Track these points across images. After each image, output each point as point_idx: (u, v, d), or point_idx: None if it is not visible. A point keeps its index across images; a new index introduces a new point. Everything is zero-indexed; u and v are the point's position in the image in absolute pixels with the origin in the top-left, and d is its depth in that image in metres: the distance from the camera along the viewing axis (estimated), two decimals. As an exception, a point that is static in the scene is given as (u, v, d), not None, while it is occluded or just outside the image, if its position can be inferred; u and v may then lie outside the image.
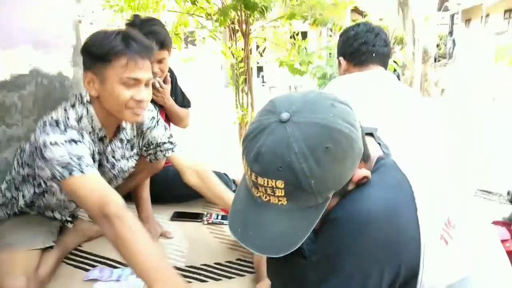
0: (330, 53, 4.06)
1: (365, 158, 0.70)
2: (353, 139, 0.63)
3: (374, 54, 1.30)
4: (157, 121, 1.35)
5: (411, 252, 0.68)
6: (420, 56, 7.86)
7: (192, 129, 2.10)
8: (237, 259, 1.39)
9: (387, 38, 1.34)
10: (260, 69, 11.31)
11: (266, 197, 0.65)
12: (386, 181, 0.69)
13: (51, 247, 1.26)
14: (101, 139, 1.19)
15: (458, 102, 7.39)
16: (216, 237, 1.55)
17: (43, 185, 1.19)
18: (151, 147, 1.36)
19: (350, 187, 0.68)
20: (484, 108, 6.76)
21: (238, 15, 3.08)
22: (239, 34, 3.24)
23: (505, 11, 15.11)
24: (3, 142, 1.45)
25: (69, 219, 1.37)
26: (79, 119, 1.11)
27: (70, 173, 1.00)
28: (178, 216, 1.69)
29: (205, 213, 1.71)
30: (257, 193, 0.66)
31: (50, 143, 1.01)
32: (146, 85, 1.12)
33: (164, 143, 1.36)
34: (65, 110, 1.11)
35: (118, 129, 1.24)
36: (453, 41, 14.19)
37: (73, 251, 1.38)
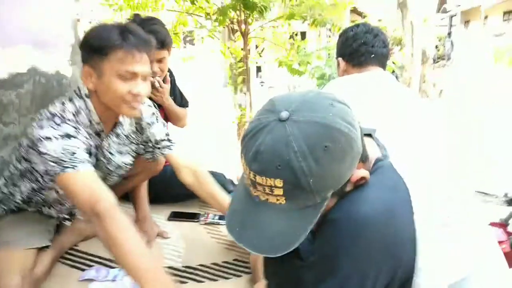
0: (329, 54, 4.07)
1: (364, 158, 0.70)
2: (352, 138, 0.63)
3: (373, 55, 1.30)
4: (157, 118, 1.34)
5: (407, 253, 0.68)
6: (418, 57, 7.86)
7: (191, 128, 2.10)
8: (234, 260, 1.39)
9: (386, 39, 1.34)
10: (258, 69, 11.32)
11: (264, 196, 0.65)
12: (383, 183, 0.70)
13: (47, 246, 1.26)
14: (98, 133, 1.18)
15: (457, 103, 7.41)
16: (213, 237, 1.55)
17: (40, 180, 1.18)
18: (150, 144, 1.36)
19: (348, 187, 0.68)
20: (483, 110, 6.78)
21: (237, 15, 3.07)
22: (238, 34, 3.24)
23: (504, 13, 15.17)
24: (0, 141, 1.44)
25: (66, 217, 1.36)
26: (76, 113, 1.11)
27: (63, 169, 0.99)
28: (175, 216, 1.68)
29: (202, 213, 1.71)
30: (255, 192, 0.66)
31: (44, 138, 1.01)
32: (144, 79, 1.10)
33: (163, 140, 1.35)
34: (63, 103, 1.10)
35: (116, 123, 1.23)
36: (452, 42, 14.22)
37: (69, 251, 1.37)
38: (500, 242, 1.43)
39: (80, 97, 1.13)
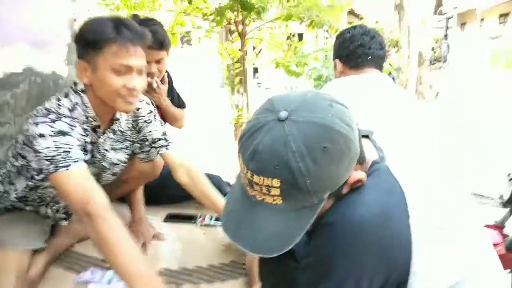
0: (326, 55, 4.08)
1: (361, 160, 0.70)
2: (350, 139, 0.63)
3: (369, 57, 1.30)
4: (154, 116, 1.33)
5: (403, 256, 0.68)
6: (415, 59, 7.90)
7: (187, 129, 2.09)
8: (230, 261, 1.38)
9: (382, 41, 1.35)
10: (255, 70, 11.32)
11: (261, 196, 0.65)
12: (380, 186, 0.70)
13: (43, 248, 1.24)
14: (94, 129, 1.17)
15: (453, 105, 7.44)
16: (209, 239, 1.54)
17: (36, 178, 1.16)
18: (146, 143, 1.34)
19: (345, 189, 0.68)
20: (479, 112, 6.81)
21: (235, 16, 3.08)
22: (235, 34, 3.24)
23: (500, 16, 15.26)
24: (-5, 141, 1.43)
25: (62, 216, 1.35)
26: (72, 108, 1.09)
27: (56, 168, 0.98)
28: (171, 218, 1.68)
29: (199, 214, 1.70)
30: (252, 191, 0.66)
31: (38, 135, 1.00)
32: (139, 72, 1.09)
33: (160, 139, 1.34)
34: (58, 99, 1.09)
35: (113, 119, 1.22)
36: (448, 45, 14.29)
37: (65, 252, 1.36)
38: (495, 245, 1.44)
39: (76, 92, 1.11)
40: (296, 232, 0.64)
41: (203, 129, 4.85)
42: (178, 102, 1.91)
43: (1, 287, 1.07)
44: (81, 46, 1.07)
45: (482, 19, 15.65)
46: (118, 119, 1.24)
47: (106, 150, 1.25)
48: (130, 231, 1.22)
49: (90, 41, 1.03)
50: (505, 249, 1.46)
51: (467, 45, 13.54)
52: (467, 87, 9.22)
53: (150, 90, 1.60)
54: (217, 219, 1.65)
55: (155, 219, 1.65)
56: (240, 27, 3.14)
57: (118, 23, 1.04)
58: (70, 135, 1.04)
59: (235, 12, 2.99)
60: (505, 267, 1.31)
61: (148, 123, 1.31)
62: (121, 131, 1.27)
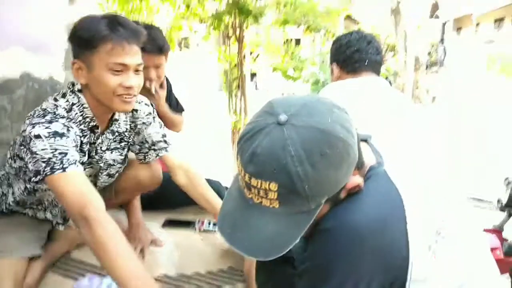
0: (323, 60, 4.10)
1: (359, 165, 0.70)
2: (349, 145, 0.63)
3: (366, 62, 1.31)
4: (153, 118, 1.32)
5: (400, 261, 0.68)
6: (412, 63, 7.95)
7: (185, 132, 2.09)
8: (228, 267, 1.38)
9: (379, 46, 1.36)
10: (253, 74, 11.34)
11: (258, 199, 0.64)
12: (378, 191, 0.70)
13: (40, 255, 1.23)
14: (91, 130, 1.15)
15: (449, 109, 7.48)
16: (207, 245, 1.53)
17: (33, 180, 1.15)
18: (145, 145, 1.32)
19: (343, 194, 0.68)
20: (475, 116, 6.85)
21: (232, 21, 3.09)
22: (232, 39, 3.25)
23: (495, 21, 15.39)
24: (-9, 147, 1.42)
25: (60, 221, 1.33)
26: (69, 109, 1.08)
27: (52, 170, 0.96)
28: (170, 224, 1.67)
29: (197, 220, 1.69)
30: (249, 194, 0.66)
31: (34, 136, 0.98)
32: (136, 71, 1.08)
33: (159, 141, 1.32)
34: (55, 99, 1.08)
35: (111, 120, 1.21)
36: (444, 49, 14.38)
37: (62, 259, 1.35)
38: (494, 249, 1.44)
39: (73, 92, 1.10)
40: (292, 236, 0.64)
41: (200, 133, 4.84)
42: (177, 107, 1.91)
43: None
44: (76, 45, 1.05)
45: (477, 24, 15.78)
46: (117, 120, 1.23)
47: (104, 150, 1.23)
48: (128, 237, 1.21)
49: (84, 40, 1.02)
50: (503, 253, 1.46)
51: (463, 49, 13.63)
52: (464, 91, 9.26)
53: (148, 95, 1.60)
54: (215, 225, 1.64)
55: (153, 224, 1.63)
56: (238, 31, 3.15)
57: (112, 21, 1.02)
58: (66, 136, 1.02)
59: (233, 17, 3.01)
60: (504, 271, 1.31)
61: (147, 125, 1.30)
62: (118, 131, 1.26)
